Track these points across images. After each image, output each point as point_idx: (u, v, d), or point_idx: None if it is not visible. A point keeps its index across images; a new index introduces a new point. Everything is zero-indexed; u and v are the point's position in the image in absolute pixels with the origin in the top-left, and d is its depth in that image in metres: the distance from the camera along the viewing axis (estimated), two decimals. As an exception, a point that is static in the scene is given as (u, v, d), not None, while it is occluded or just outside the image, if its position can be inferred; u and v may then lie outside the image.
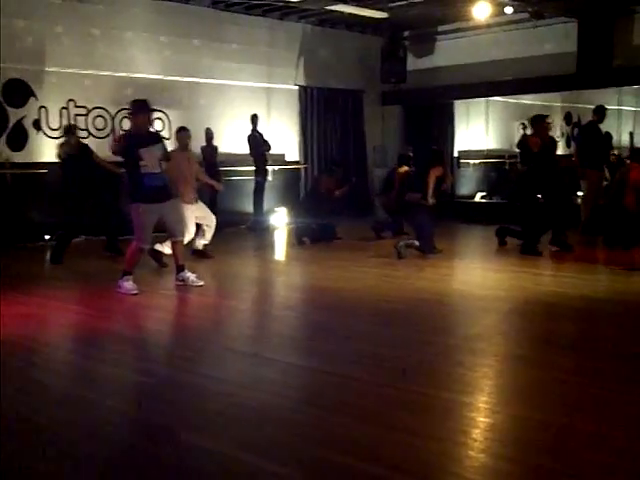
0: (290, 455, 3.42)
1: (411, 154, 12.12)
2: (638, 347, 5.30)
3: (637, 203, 9.81)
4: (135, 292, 7.20)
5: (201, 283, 7.57)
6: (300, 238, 11.01)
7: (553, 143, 10.58)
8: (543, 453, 3.36)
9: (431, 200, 9.57)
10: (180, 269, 7.61)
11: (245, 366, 5.00)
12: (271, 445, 3.53)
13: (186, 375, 4.75)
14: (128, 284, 7.23)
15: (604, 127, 11.87)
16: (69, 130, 9.83)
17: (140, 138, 7.19)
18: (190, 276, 7.57)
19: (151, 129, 7.70)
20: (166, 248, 8.34)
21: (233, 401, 4.20)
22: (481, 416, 3.91)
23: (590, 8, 12.57)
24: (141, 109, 7.31)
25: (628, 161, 11.37)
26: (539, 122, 9.75)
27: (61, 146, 9.61)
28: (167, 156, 7.38)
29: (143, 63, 12.03)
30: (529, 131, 16.87)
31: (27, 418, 3.92)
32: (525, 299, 7.05)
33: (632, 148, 15.94)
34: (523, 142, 12.02)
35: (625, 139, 17.82)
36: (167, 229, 7.63)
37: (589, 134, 11.60)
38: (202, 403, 4.21)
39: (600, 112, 11.55)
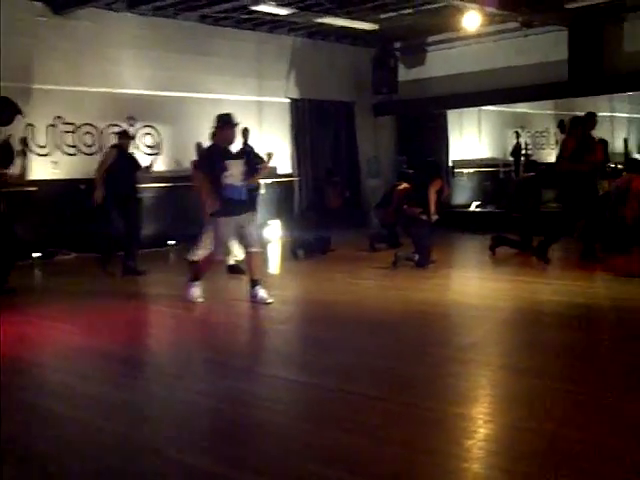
0: (285, 472, 3.34)
1: (411, 171, 12.02)
2: (631, 354, 5.22)
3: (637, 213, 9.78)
4: (199, 300, 7.38)
5: (271, 300, 7.30)
6: (295, 251, 10.93)
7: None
8: (536, 462, 3.30)
9: (434, 217, 9.38)
10: (254, 283, 7.37)
11: (236, 381, 4.88)
12: (265, 462, 3.46)
13: (174, 391, 4.66)
14: (194, 290, 7.43)
15: (598, 134, 11.79)
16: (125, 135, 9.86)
17: (224, 150, 7.39)
18: (262, 293, 7.33)
19: (234, 145, 7.75)
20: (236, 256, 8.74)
21: (223, 417, 4.12)
22: (474, 427, 3.84)
23: (579, 16, 12.56)
24: (226, 123, 7.46)
25: (625, 173, 11.33)
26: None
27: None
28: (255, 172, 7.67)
29: (132, 78, 11.99)
30: (522, 139, 17.03)
31: (20, 439, 3.82)
32: (519, 308, 7.00)
33: (627, 158, 15.97)
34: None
35: (619, 145, 17.86)
36: (242, 240, 7.61)
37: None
38: (191, 420, 4.12)
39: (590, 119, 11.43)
